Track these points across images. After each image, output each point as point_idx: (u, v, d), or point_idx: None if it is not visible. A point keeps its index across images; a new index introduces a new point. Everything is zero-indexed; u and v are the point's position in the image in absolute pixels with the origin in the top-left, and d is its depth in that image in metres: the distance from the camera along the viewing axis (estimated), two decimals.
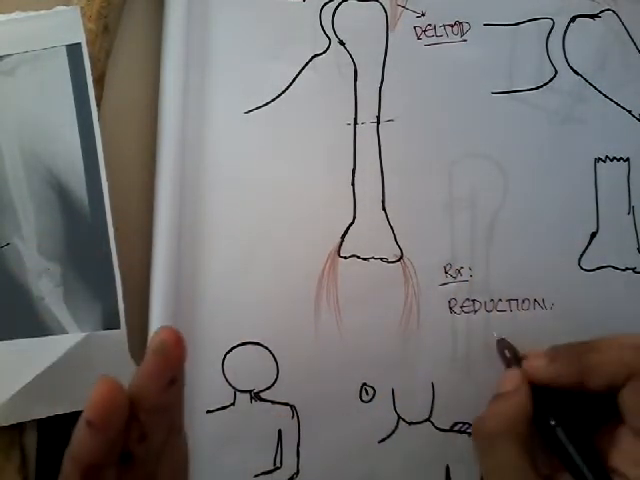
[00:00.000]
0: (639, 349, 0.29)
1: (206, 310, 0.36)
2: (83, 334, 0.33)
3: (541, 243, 0.38)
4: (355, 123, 0.38)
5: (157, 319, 0.34)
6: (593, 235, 0.38)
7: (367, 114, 0.38)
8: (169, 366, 0.25)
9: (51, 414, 0.34)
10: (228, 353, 0.36)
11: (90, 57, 0.34)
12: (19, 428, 0.35)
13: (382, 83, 0.38)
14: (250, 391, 0.36)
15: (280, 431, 0.36)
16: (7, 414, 0.33)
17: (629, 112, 0.39)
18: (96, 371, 0.32)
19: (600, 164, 0.38)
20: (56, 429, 0.35)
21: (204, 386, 0.36)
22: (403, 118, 0.38)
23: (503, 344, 0.34)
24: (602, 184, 0.38)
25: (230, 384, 0.36)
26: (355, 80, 0.38)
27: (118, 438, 0.25)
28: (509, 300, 0.37)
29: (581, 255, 0.38)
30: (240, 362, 0.36)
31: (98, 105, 0.36)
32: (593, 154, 0.38)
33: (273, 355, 0.36)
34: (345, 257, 0.37)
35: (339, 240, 0.37)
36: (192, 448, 0.34)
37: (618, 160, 0.38)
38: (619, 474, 0.29)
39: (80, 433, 0.25)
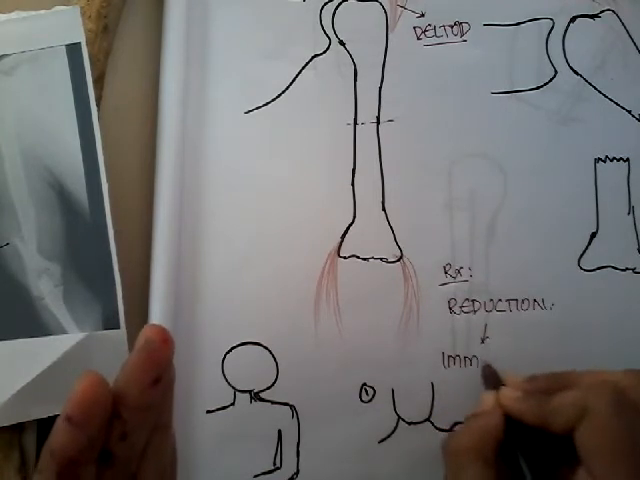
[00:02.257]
0: (591, 388, 0.29)
1: (206, 310, 0.36)
2: (83, 334, 0.33)
3: (541, 243, 0.38)
4: (355, 123, 0.38)
5: (157, 319, 0.34)
6: (593, 235, 0.38)
7: (367, 114, 0.38)
8: (154, 364, 0.25)
9: (51, 414, 0.33)
10: (228, 353, 0.36)
11: (90, 57, 0.34)
12: (19, 428, 0.35)
13: (382, 83, 0.38)
14: (250, 391, 0.36)
15: (280, 431, 0.36)
16: (7, 414, 0.33)
17: (629, 112, 0.39)
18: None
19: (600, 164, 0.38)
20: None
21: (204, 386, 0.36)
22: (403, 118, 0.38)
23: (487, 370, 0.35)
24: (602, 184, 0.38)
25: (230, 384, 0.36)
26: (355, 80, 0.38)
27: (98, 436, 0.24)
28: (509, 300, 0.37)
29: (581, 255, 0.38)
30: (240, 362, 0.36)
31: (98, 105, 0.36)
32: (593, 154, 0.38)
33: (273, 355, 0.36)
34: (345, 257, 0.37)
35: (339, 240, 0.37)
36: (192, 448, 0.34)
37: (618, 160, 0.38)
38: None
39: (59, 427, 0.24)
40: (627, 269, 0.38)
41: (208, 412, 0.36)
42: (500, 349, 0.37)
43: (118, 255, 0.34)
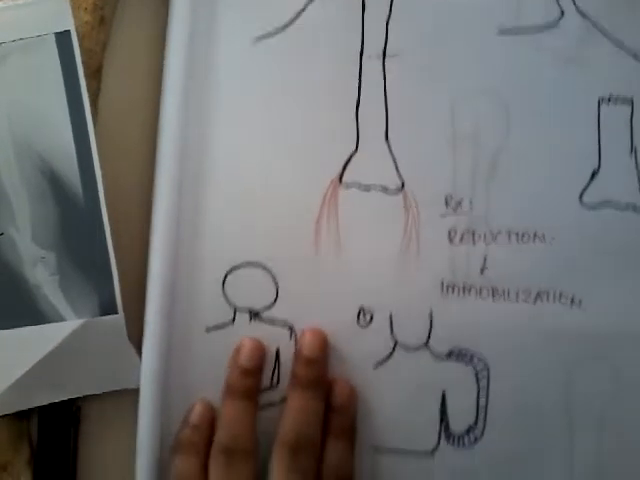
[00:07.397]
0: None
1: (208, 231, 0.37)
2: (81, 320, 0.34)
3: (542, 179, 0.38)
4: (361, 56, 0.38)
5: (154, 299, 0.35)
6: (594, 173, 0.38)
7: (373, 47, 0.37)
8: None
9: (52, 401, 0.34)
10: (229, 273, 0.36)
11: (87, 49, 0.34)
12: (27, 419, 0.35)
13: (390, 17, 0.38)
14: (250, 310, 0.36)
15: (278, 350, 0.37)
16: (8, 402, 0.34)
17: (634, 56, 0.39)
18: (95, 357, 0.33)
19: (604, 105, 0.38)
20: (57, 416, 0.35)
21: (204, 305, 0.36)
22: (409, 52, 0.37)
23: None
24: (605, 124, 0.38)
25: (230, 303, 0.36)
26: (363, 12, 0.38)
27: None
28: (509, 233, 0.37)
29: (582, 192, 0.38)
30: (240, 282, 0.37)
31: (95, 98, 0.36)
32: (597, 95, 0.38)
33: (273, 276, 0.37)
34: (347, 185, 0.37)
35: (341, 168, 0.37)
36: (193, 365, 0.35)
37: (622, 102, 0.38)
38: None
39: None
40: (627, 206, 0.38)
41: (207, 330, 0.36)
42: (499, 280, 0.37)
43: (114, 240, 0.34)
